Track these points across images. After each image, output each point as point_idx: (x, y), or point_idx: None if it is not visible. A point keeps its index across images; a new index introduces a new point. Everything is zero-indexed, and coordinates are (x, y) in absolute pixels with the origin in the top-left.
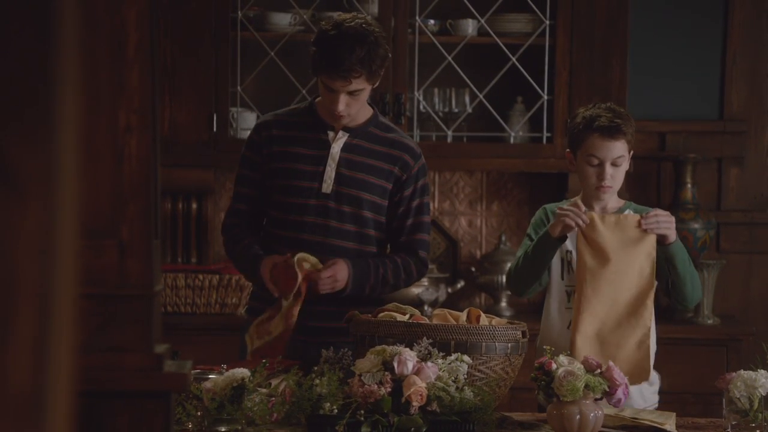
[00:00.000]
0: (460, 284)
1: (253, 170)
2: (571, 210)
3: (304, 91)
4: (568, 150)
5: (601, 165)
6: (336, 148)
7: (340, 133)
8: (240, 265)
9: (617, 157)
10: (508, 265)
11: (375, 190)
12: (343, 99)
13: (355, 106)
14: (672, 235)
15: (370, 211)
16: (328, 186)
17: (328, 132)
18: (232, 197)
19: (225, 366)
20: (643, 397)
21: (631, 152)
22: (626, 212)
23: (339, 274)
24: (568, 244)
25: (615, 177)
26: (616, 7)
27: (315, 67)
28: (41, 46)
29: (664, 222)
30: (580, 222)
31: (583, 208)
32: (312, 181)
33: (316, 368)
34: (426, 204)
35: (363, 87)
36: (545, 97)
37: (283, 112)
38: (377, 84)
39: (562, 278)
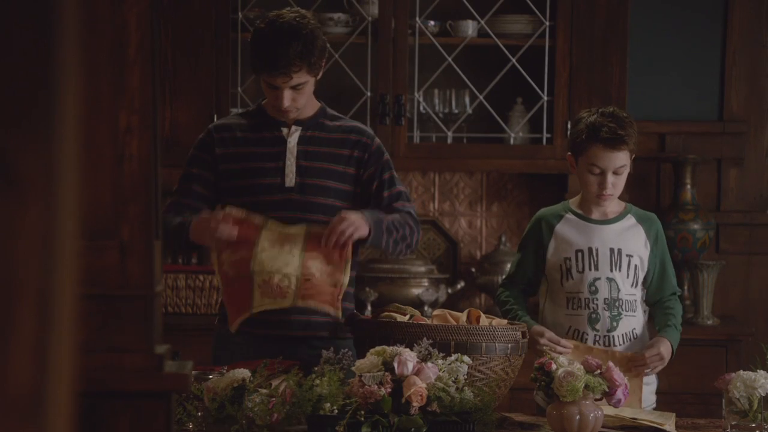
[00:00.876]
0: (460, 285)
1: (204, 170)
2: (550, 344)
3: None
4: (569, 153)
5: (602, 174)
6: (292, 142)
7: (293, 127)
8: (167, 233)
9: (619, 166)
10: (508, 266)
11: (339, 177)
12: (287, 94)
13: (300, 99)
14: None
15: (336, 198)
16: (290, 180)
17: (282, 128)
18: (176, 192)
19: (225, 366)
20: (642, 397)
21: (633, 156)
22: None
23: (351, 216)
24: (569, 251)
25: (616, 185)
26: (615, 8)
27: (255, 66)
28: (42, 47)
29: (657, 366)
30: (560, 351)
31: (566, 344)
32: (274, 177)
33: (316, 368)
34: (396, 177)
35: (305, 80)
36: (545, 98)
37: (233, 116)
38: (320, 75)
39: (562, 285)
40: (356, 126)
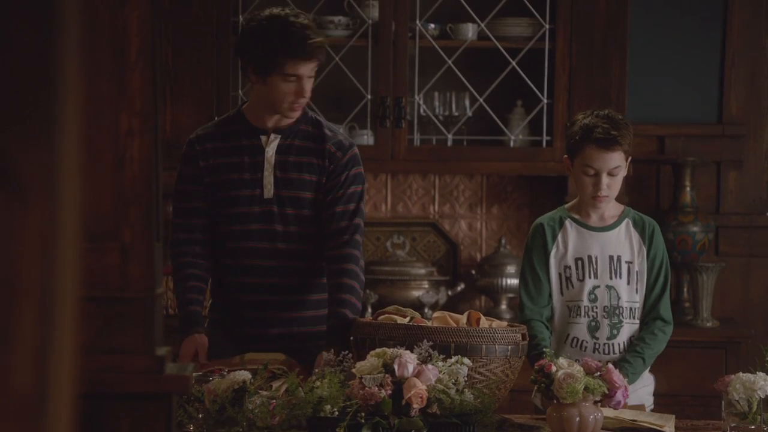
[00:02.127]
0: (460, 287)
1: (195, 184)
2: None
3: None
4: (565, 156)
5: (597, 175)
6: (270, 152)
7: (272, 135)
8: (177, 301)
9: (613, 167)
10: (508, 268)
11: (311, 188)
12: (308, 83)
13: (309, 90)
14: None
15: (310, 209)
16: (269, 191)
17: (260, 136)
18: (175, 213)
19: (226, 368)
20: (639, 397)
21: (629, 159)
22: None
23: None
24: (568, 260)
25: (611, 186)
26: (615, 11)
27: (273, 63)
28: (44, 50)
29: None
30: None
31: None
32: (253, 189)
33: (317, 370)
34: (359, 192)
35: (318, 66)
36: (545, 100)
37: (211, 125)
38: None
39: (562, 294)
40: (332, 136)
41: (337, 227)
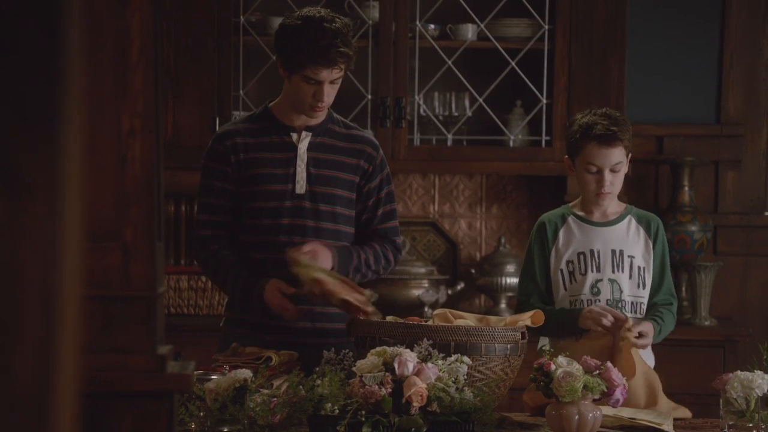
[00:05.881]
0: (460, 286)
1: (224, 181)
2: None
3: None
4: (566, 156)
5: (600, 172)
6: (302, 148)
7: (303, 133)
8: (226, 286)
9: (615, 163)
10: (507, 267)
11: (345, 186)
12: (327, 89)
13: (332, 96)
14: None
15: (342, 207)
16: (301, 186)
17: (291, 133)
18: (200, 209)
19: (227, 367)
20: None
21: (630, 155)
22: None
23: (320, 253)
24: (570, 255)
25: (614, 183)
26: (614, 11)
27: (296, 63)
28: (47, 52)
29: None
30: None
31: (623, 318)
32: (285, 184)
33: (317, 369)
34: (392, 192)
35: (341, 74)
36: (544, 101)
37: (239, 120)
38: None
39: (566, 289)
40: (366, 136)
41: (382, 228)
